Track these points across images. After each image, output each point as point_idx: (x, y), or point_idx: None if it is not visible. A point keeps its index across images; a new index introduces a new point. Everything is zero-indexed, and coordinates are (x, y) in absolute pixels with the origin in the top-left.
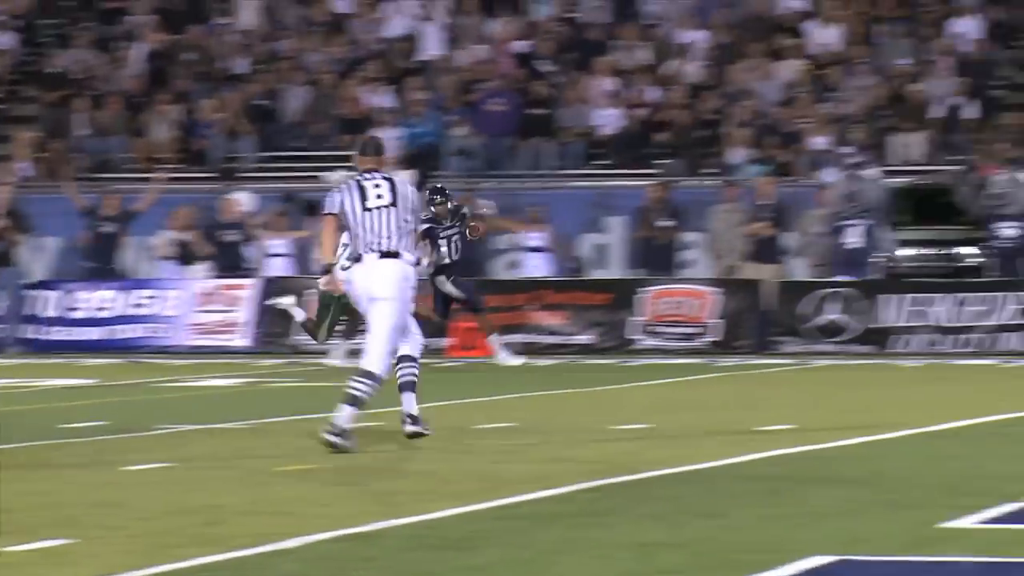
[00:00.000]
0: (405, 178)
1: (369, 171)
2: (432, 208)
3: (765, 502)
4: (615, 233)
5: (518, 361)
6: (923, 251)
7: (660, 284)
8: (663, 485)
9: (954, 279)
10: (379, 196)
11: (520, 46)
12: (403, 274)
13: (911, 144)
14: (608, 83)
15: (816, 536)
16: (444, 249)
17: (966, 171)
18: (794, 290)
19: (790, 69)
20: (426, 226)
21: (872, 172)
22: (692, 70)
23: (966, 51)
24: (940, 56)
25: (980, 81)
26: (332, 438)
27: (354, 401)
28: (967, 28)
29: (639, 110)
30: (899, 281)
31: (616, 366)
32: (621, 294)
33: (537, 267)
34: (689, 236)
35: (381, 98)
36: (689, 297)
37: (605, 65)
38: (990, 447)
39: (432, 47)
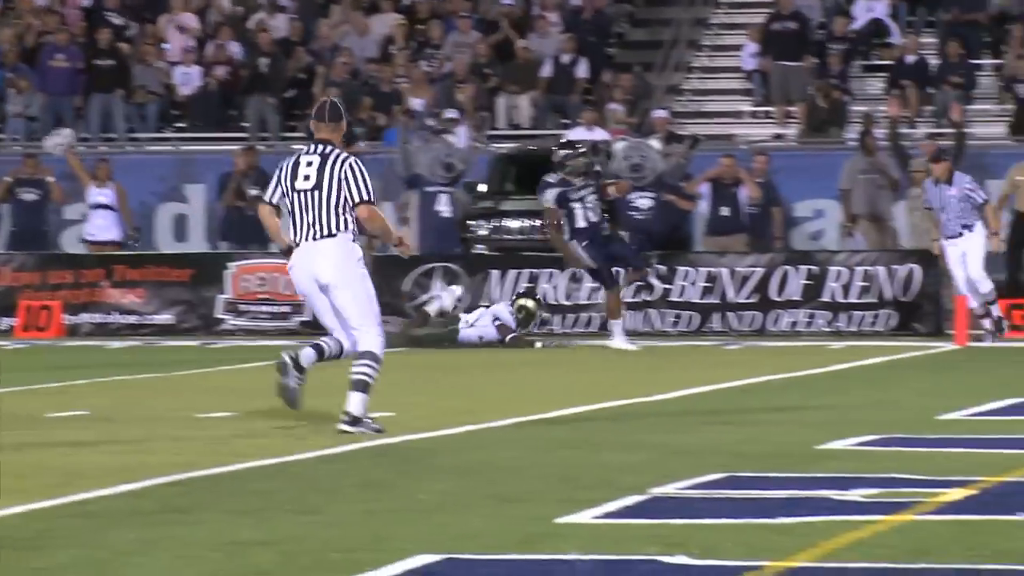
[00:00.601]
0: (349, 154)
1: (320, 142)
2: (566, 165)
3: (364, 497)
4: (197, 203)
5: (633, 346)
6: (534, 223)
7: (248, 259)
8: (253, 478)
9: None
10: (306, 177)
11: None
12: (345, 252)
13: (519, 106)
14: (186, 38)
15: (420, 533)
16: (579, 212)
17: (598, 141)
18: (395, 266)
19: (385, 23)
20: (557, 191)
21: (462, 137)
22: (279, 24)
23: (576, 5)
24: (548, 11)
25: (592, 38)
26: (349, 428)
27: (364, 387)
28: None
29: (221, 68)
30: (508, 256)
31: (199, 348)
32: (204, 270)
33: (103, 227)
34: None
35: None
36: (280, 273)
37: (183, 18)
38: (606, 436)
39: None
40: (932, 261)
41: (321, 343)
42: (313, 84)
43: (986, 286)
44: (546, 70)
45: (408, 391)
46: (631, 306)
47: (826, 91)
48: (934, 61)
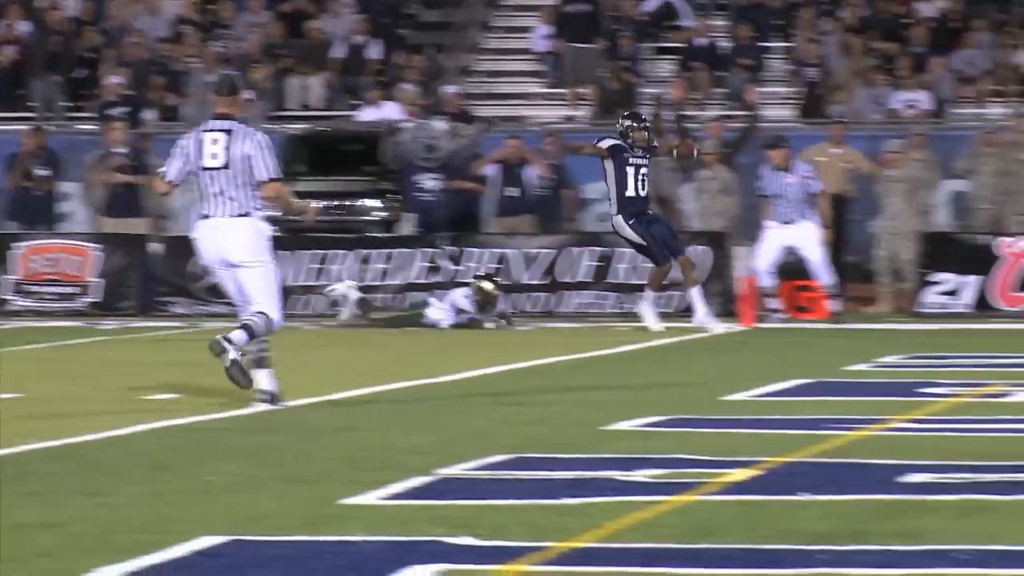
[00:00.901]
0: (253, 128)
1: (220, 116)
2: (630, 136)
3: (151, 478)
4: None
5: (660, 327)
6: (323, 204)
7: (35, 239)
8: (37, 461)
9: (357, 234)
10: (213, 156)
11: None
12: (256, 232)
13: (310, 87)
14: None
15: (206, 515)
16: (631, 180)
17: (392, 121)
18: (183, 248)
19: (177, 3)
20: (615, 143)
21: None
22: (69, 3)
23: None
24: None
25: (384, 19)
26: (226, 343)
27: (248, 330)
28: None
29: (9, 47)
30: (298, 237)
31: None
32: None
33: None
34: (67, 186)
35: None
36: (67, 253)
37: None
38: (392, 417)
39: None
40: (720, 242)
41: (249, 323)
42: (101, 63)
43: (829, 278)
44: (338, 51)
45: (198, 373)
46: (423, 287)
47: (617, 73)
48: (724, 44)
